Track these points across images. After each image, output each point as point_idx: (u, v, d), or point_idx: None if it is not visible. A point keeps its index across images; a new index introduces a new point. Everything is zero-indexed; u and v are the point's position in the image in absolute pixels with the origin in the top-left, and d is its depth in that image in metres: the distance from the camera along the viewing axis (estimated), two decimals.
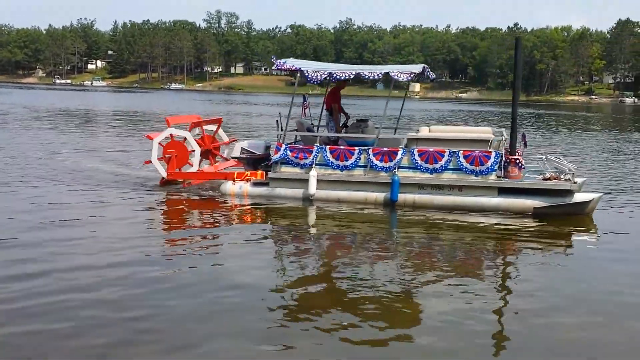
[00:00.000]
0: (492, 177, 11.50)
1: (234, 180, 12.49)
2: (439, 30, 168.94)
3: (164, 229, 10.21)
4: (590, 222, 11.05)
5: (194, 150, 13.36)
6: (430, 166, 11.61)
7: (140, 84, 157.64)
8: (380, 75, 12.23)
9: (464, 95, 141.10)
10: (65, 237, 8.98)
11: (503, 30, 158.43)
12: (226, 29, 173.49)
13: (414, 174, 11.70)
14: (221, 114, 47.22)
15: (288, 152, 12.07)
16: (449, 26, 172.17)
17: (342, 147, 12.06)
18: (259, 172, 12.48)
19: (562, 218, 11.06)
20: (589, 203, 11.31)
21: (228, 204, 11.90)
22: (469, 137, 12.01)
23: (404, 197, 11.60)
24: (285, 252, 9.03)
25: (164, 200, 12.29)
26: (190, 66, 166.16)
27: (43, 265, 7.62)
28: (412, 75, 11.97)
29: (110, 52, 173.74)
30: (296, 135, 13.06)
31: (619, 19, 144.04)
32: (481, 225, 10.62)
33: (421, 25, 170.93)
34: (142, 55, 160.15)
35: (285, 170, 12.17)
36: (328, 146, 12.07)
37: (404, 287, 7.28)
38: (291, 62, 12.72)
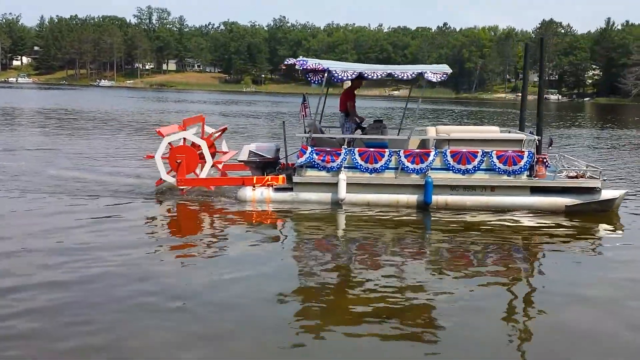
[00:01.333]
0: (524, 177, 11.55)
1: (253, 186, 11.73)
2: (372, 29, 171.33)
3: (199, 243, 9.23)
4: (618, 219, 11.33)
5: (204, 159, 12.45)
6: (463, 167, 11.46)
7: (68, 80, 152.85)
8: (413, 75, 11.86)
9: (396, 92, 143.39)
10: (96, 260, 8.04)
11: (433, 30, 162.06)
12: (157, 25, 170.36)
13: (445, 175, 11.48)
14: (155, 111, 46.71)
15: (314, 155, 11.48)
16: (381, 25, 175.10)
17: (371, 149, 11.58)
18: (281, 176, 11.80)
19: (592, 215, 11.30)
20: (615, 200, 11.57)
21: (255, 212, 11.24)
22: (503, 137, 12.02)
23: (436, 198, 11.38)
24: (330, 260, 8.47)
25: (183, 209, 11.44)
26: (120, 63, 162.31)
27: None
28: (445, 76, 11.66)
29: (36, 48, 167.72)
30: (306, 137, 11.86)
31: (543, 20, 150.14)
32: (518, 225, 10.64)
33: (354, 24, 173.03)
34: (69, 52, 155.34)
35: (312, 174, 11.56)
36: (357, 148, 11.59)
37: (450, 298, 7.03)
38: (315, 62, 11.99)
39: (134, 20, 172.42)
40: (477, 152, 11.47)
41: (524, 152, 11.51)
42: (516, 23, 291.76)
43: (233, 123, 36.13)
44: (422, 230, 10.48)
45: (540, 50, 12.86)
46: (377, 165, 11.47)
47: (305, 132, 12.20)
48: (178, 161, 12.14)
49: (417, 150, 11.59)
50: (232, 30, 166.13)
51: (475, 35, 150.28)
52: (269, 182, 11.71)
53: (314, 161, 11.48)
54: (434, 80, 11.62)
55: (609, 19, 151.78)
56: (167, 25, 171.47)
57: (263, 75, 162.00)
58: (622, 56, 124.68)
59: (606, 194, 11.50)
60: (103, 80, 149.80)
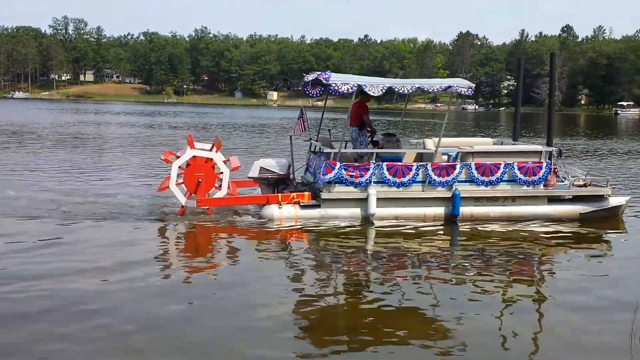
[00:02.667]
0: (541, 187, 11.94)
1: (279, 204, 11.34)
2: (294, 40, 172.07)
3: (240, 265, 9.01)
4: (624, 224, 12.03)
5: (222, 173, 11.78)
6: (487, 179, 11.72)
7: None
8: (441, 89, 12.08)
9: (320, 103, 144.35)
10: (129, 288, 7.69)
11: (354, 41, 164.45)
12: (74, 36, 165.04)
13: (469, 187, 11.68)
14: (70, 123, 45.05)
15: (343, 170, 11.29)
16: (303, 36, 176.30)
17: (399, 163, 11.64)
18: (306, 193, 11.51)
19: (601, 221, 11.86)
20: (621, 206, 12.27)
21: (286, 230, 10.93)
22: (523, 149, 12.48)
23: (462, 210, 11.51)
24: (383, 279, 8.35)
25: (207, 231, 10.91)
26: (35, 74, 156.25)
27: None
28: (471, 90, 11.82)
29: None
30: (334, 153, 11.56)
31: (460, 32, 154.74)
32: (539, 234, 10.97)
33: (277, 35, 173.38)
34: None
35: (340, 190, 11.38)
36: (385, 163, 11.54)
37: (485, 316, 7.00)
38: (338, 78, 11.57)
39: (49, 31, 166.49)
40: (500, 164, 11.76)
41: (542, 162, 11.93)
42: (434, 35, 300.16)
43: (165, 135, 35.31)
44: (459, 244, 10.60)
45: (550, 65, 13.52)
46: (405, 179, 11.50)
47: (311, 147, 12.32)
48: (199, 180, 11.48)
49: (444, 164, 11.70)
50: (152, 40, 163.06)
51: (396, 47, 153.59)
52: (295, 200, 11.37)
53: (342, 177, 11.28)
54: (463, 93, 11.75)
55: (523, 30, 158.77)
56: (84, 36, 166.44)
57: (185, 86, 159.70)
58: (536, 67, 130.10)
59: (614, 201, 12.16)
60: (17, 92, 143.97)
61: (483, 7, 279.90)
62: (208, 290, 7.70)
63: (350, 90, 11.33)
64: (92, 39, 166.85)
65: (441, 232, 11.06)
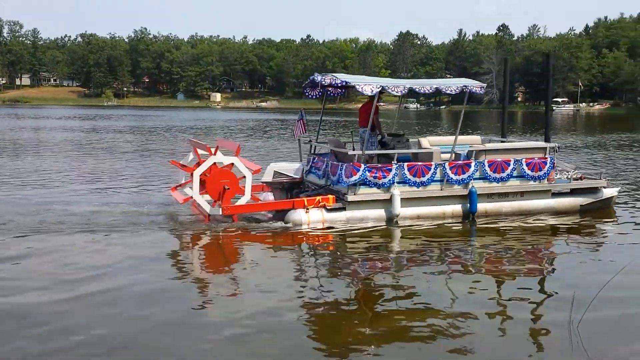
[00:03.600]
0: (546, 182, 12.49)
1: (306, 208, 11.24)
2: (237, 41, 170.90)
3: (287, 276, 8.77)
4: (615, 213, 12.96)
5: (244, 177, 11.48)
6: (498, 175, 12.13)
7: None
8: (458, 89, 12.12)
9: (264, 104, 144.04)
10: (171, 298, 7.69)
11: (297, 42, 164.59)
12: (9, 38, 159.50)
13: (483, 184, 12.05)
14: (12, 129, 43.68)
15: (367, 172, 11.35)
16: (245, 37, 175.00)
17: (419, 163, 11.81)
18: (331, 196, 11.44)
19: (597, 211, 12.73)
20: (613, 197, 13.13)
21: (318, 235, 10.92)
22: (530, 145, 13.06)
23: (478, 207, 11.84)
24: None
25: (234, 240, 10.68)
26: None
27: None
28: (482, 89, 12.31)
29: None
30: (358, 155, 11.62)
31: (400, 32, 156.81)
32: (550, 226, 11.72)
33: (218, 36, 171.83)
34: None
35: (365, 192, 11.42)
36: (406, 163, 11.67)
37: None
38: (360, 80, 11.71)
39: None
40: (510, 160, 12.26)
41: (547, 158, 12.53)
42: (375, 35, 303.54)
43: (110, 139, 34.64)
44: (487, 240, 10.90)
45: (547, 65, 14.27)
46: (424, 179, 11.72)
47: (313, 149, 12.53)
48: (226, 187, 11.15)
49: (460, 162, 11.98)
50: (90, 42, 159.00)
51: (338, 47, 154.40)
52: (320, 203, 11.32)
53: (367, 178, 11.34)
54: (477, 92, 12.25)
55: (460, 30, 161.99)
56: (20, 39, 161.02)
57: (125, 89, 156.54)
58: (474, 65, 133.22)
59: (607, 192, 13.04)
60: None
61: (422, 7, 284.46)
62: (260, 308, 7.32)
63: (373, 91, 11.43)
64: (28, 42, 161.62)
65: (464, 229, 11.50)
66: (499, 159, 12.21)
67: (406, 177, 11.63)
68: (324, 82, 12.49)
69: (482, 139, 13.62)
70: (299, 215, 11.21)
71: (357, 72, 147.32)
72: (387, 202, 11.44)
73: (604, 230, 11.84)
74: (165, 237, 10.77)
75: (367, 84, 11.48)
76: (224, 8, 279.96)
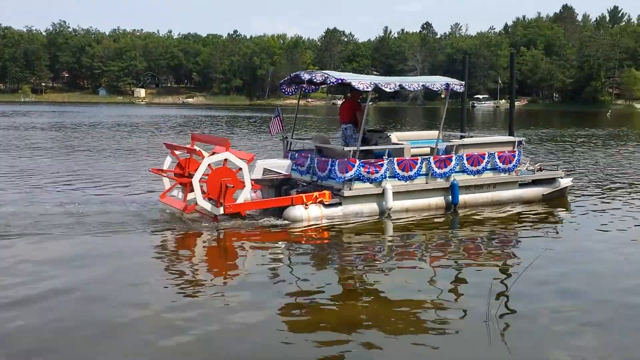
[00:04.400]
0: (514, 173, 13.40)
1: (305, 205, 11.32)
2: (161, 35, 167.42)
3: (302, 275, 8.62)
4: (568, 202, 13.98)
5: (240, 169, 11.37)
6: (475, 168, 12.87)
7: None
8: (442, 86, 12.64)
9: (190, 100, 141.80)
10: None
11: (224, 37, 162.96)
12: None
13: (462, 176, 12.68)
14: None
15: (361, 167, 11.61)
16: (170, 31, 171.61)
17: (406, 157, 12.24)
18: (326, 192, 11.61)
19: (553, 200, 13.74)
20: (568, 187, 14.19)
21: (319, 229, 11.06)
22: (501, 139, 13.86)
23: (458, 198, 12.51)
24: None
25: (239, 238, 10.59)
26: None
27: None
28: (462, 87, 12.95)
29: None
30: (353, 151, 11.83)
31: (327, 28, 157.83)
32: (520, 215, 12.55)
33: (142, 30, 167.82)
34: None
35: (359, 187, 11.73)
36: (395, 158, 12.05)
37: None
38: (341, 76, 11.95)
39: None
40: (485, 154, 13.01)
41: (515, 151, 13.41)
42: (303, 32, 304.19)
43: (27, 136, 33.15)
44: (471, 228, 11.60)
45: (510, 65, 14.91)
46: (411, 173, 12.22)
47: (287, 145, 12.98)
48: (230, 185, 11.04)
49: (443, 157, 12.56)
50: (5, 35, 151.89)
51: (265, 43, 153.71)
52: (318, 199, 11.49)
53: (360, 174, 11.61)
54: (457, 90, 12.83)
55: (386, 27, 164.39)
56: None
57: (43, 84, 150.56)
58: (400, 63, 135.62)
59: (563, 182, 14.04)
60: None
61: (349, 4, 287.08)
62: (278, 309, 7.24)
63: (367, 88, 11.78)
64: None
65: (450, 220, 12.16)
66: (476, 153, 12.95)
67: (396, 171, 12.07)
68: (315, 80, 12.43)
69: (440, 134, 14.08)
70: (299, 211, 11.33)
71: (285, 69, 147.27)
72: (380, 196, 11.88)
73: (565, 217, 12.76)
74: (166, 237, 10.69)
75: (362, 82, 11.78)
76: (147, 1, 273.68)
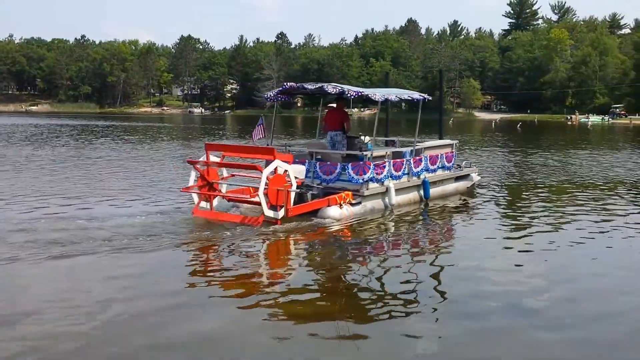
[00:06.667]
0: (452, 171, 15.89)
1: (340, 205, 12.38)
2: (1, 39, 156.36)
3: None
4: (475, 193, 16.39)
5: (286, 171, 11.75)
6: (433, 167, 15.03)
7: None
8: (415, 99, 14.86)
9: (34, 108, 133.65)
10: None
11: (71, 42, 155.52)
12: None
13: (427, 174, 14.79)
14: None
15: (373, 170, 13.09)
16: (12, 35, 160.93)
17: (398, 160, 13.94)
18: (349, 192, 12.68)
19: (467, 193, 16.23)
20: (476, 181, 16.88)
21: (360, 224, 12.14)
22: (445, 143, 16.25)
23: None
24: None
25: (309, 240, 11.06)
26: None
27: None
28: (429, 98, 14.99)
29: None
30: (368, 155, 13.15)
31: (182, 35, 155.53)
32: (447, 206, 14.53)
33: None
34: None
35: (372, 187, 13.12)
36: (391, 160, 13.75)
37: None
38: (351, 89, 13.23)
39: None
40: (438, 155, 15.28)
41: (453, 152, 16.01)
42: (156, 38, 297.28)
43: None
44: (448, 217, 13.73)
45: (439, 79, 18.78)
46: (400, 173, 13.93)
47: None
48: (290, 190, 11.69)
49: (418, 158, 14.56)
50: None
51: (116, 48, 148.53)
52: (346, 199, 12.55)
53: (373, 175, 13.12)
54: (427, 101, 14.88)
55: (242, 36, 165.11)
56: None
57: None
58: (255, 71, 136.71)
59: (474, 178, 16.79)
60: None
61: (203, 12, 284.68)
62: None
63: (354, 95, 13.22)
64: None
65: (427, 211, 14.08)
66: (434, 154, 15.14)
67: (391, 172, 13.65)
68: (331, 91, 13.71)
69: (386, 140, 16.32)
70: (335, 211, 12.30)
71: (138, 75, 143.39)
72: (384, 194, 13.49)
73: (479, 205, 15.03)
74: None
75: (375, 94, 13.37)
76: None
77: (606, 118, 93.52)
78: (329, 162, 13.33)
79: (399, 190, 13.83)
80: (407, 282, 8.54)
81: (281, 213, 11.51)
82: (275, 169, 11.52)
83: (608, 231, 11.85)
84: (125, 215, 12.23)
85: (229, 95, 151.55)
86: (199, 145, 34.45)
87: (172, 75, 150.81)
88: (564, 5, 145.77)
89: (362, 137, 14.48)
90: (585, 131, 62.90)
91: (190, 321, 6.84)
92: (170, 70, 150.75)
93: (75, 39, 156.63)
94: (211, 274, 8.90)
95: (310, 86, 13.70)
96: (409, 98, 14.89)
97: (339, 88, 13.45)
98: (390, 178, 13.63)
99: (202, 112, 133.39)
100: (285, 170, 11.70)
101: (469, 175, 16.65)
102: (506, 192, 17.24)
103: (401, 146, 15.64)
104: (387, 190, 13.43)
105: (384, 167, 13.42)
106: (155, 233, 10.67)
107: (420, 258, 9.87)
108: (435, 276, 8.76)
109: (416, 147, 14.80)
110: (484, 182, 18.22)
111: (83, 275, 8.59)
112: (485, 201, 15.43)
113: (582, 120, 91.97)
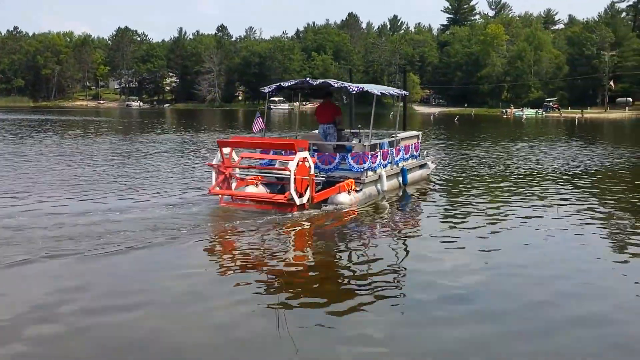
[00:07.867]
0: (418, 159, 17.29)
1: (348, 192, 13.23)
2: None
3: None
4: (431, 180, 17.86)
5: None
6: (407, 156, 16.29)
7: None
8: (400, 93, 17.13)
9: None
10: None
11: (3, 34, 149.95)
12: None
13: (402, 163, 16.00)
14: None
15: (371, 159, 13.96)
16: None
17: (384, 150, 14.92)
18: (351, 180, 13.47)
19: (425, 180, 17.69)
20: (432, 169, 18.53)
21: (372, 210, 13.22)
22: (413, 134, 17.56)
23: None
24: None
25: (335, 224, 11.94)
26: None
27: None
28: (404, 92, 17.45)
29: None
30: (367, 145, 14.22)
31: (119, 27, 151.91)
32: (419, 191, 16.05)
33: None
34: None
35: (370, 175, 14.03)
36: (380, 150, 14.67)
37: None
38: (350, 84, 14.25)
39: None
40: (409, 145, 16.53)
41: (419, 142, 17.50)
42: (92, 30, 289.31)
43: None
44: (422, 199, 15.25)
45: (403, 78, 16.67)
46: (387, 161, 14.98)
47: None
48: (313, 179, 12.61)
49: (398, 147, 15.71)
50: None
51: (50, 40, 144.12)
52: (352, 187, 13.39)
53: (371, 164, 14.02)
54: (406, 94, 17.32)
55: (181, 28, 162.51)
56: None
57: None
58: (196, 64, 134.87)
59: (430, 166, 18.45)
60: None
61: (141, 3, 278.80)
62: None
63: (355, 91, 14.15)
64: None
65: (409, 195, 15.51)
66: (408, 144, 16.38)
67: (380, 161, 14.56)
68: (344, 88, 14.10)
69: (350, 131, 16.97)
70: (345, 197, 13.17)
71: (73, 68, 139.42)
72: (377, 181, 14.39)
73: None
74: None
75: (374, 90, 14.62)
76: None
77: (540, 112, 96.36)
78: (327, 153, 14.31)
79: (387, 178, 14.94)
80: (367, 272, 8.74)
81: (305, 199, 12.49)
82: (303, 159, 12.49)
83: (540, 217, 12.47)
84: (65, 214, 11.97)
85: (169, 88, 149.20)
86: (141, 139, 33.81)
87: (109, 68, 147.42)
88: (501, 1, 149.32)
89: (359, 131, 16.34)
90: (520, 124, 64.75)
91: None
92: (107, 63, 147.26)
93: (8, 30, 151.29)
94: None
95: (313, 82, 14.45)
96: (395, 93, 16.76)
97: (340, 84, 14.26)
98: (381, 167, 14.67)
99: (140, 106, 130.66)
100: (305, 158, 12.58)
101: (427, 163, 18.11)
102: (451, 181, 18.31)
103: (364, 137, 16.23)
104: (380, 177, 14.43)
105: (376, 156, 14.44)
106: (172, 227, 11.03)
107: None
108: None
109: (396, 138, 15.97)
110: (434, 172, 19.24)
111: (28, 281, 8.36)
112: (440, 187, 16.93)
113: (517, 113, 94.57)
